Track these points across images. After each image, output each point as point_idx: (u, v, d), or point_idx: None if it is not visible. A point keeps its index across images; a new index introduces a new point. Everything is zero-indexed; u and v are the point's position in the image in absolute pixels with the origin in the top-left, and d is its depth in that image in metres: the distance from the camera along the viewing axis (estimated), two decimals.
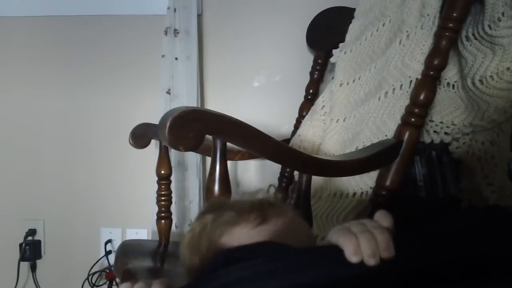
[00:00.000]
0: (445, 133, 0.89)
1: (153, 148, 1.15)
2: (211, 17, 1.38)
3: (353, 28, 1.11)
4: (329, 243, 0.41)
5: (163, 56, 1.28)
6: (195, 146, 0.60)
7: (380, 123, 0.89)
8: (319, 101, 1.15)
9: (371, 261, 0.38)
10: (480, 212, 0.52)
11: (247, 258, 0.39)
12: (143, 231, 1.40)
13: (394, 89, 0.89)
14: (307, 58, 1.31)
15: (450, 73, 0.94)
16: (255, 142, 0.65)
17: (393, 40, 0.94)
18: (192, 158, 1.29)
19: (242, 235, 0.54)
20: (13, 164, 1.44)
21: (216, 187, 0.64)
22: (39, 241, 1.43)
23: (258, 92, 1.38)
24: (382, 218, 0.43)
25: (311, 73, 1.28)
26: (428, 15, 0.86)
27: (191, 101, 1.27)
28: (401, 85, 0.88)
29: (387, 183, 0.82)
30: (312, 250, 0.40)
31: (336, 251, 0.39)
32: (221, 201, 0.61)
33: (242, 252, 0.43)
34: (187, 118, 0.59)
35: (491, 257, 0.41)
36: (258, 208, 0.57)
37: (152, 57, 1.36)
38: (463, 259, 0.41)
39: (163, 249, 1.01)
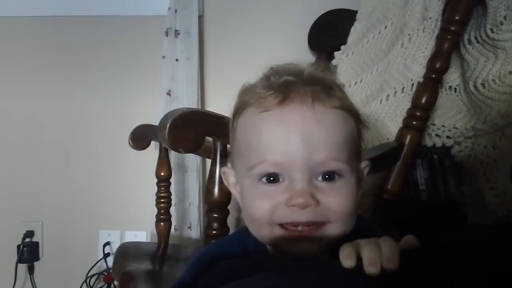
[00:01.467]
0: (447, 136, 0.89)
1: (153, 149, 1.15)
2: (212, 18, 1.38)
3: (355, 31, 1.11)
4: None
5: (163, 57, 1.28)
6: (195, 147, 0.60)
7: (381, 126, 0.88)
8: None
9: (371, 269, 0.37)
10: (489, 229, 0.52)
11: (249, 273, 0.38)
12: (142, 233, 1.39)
13: (395, 92, 0.89)
14: (309, 60, 1.30)
15: (452, 76, 0.94)
16: None
17: (395, 42, 0.94)
18: (192, 160, 1.28)
19: (248, 118, 0.48)
20: (11, 166, 1.43)
21: (216, 189, 0.63)
22: (37, 243, 1.42)
23: None
24: (407, 241, 0.41)
25: None
26: (430, 18, 0.86)
27: (191, 102, 1.26)
28: (402, 88, 0.87)
29: (389, 186, 0.81)
30: (318, 265, 0.40)
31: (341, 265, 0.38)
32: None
33: (243, 265, 0.42)
34: (187, 120, 0.58)
35: (498, 274, 0.41)
36: (281, 85, 0.46)
37: (152, 58, 1.35)
38: (469, 274, 0.40)
39: (162, 251, 1.01)
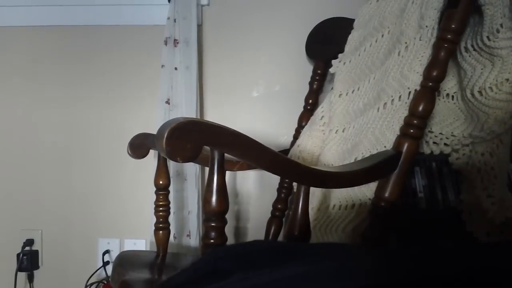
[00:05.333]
0: (445, 144, 0.89)
1: (152, 158, 1.15)
2: (211, 27, 1.39)
3: (352, 39, 1.11)
4: None
5: (162, 66, 1.29)
6: (193, 157, 0.60)
7: (379, 134, 0.88)
8: (318, 112, 1.15)
9: None
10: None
11: (235, 267, 0.38)
12: (141, 241, 1.39)
13: (393, 100, 0.89)
14: (306, 68, 1.31)
15: (450, 84, 0.94)
16: (252, 153, 0.65)
17: (392, 51, 0.94)
18: (191, 168, 1.28)
19: None
20: (11, 174, 1.43)
21: (214, 198, 0.63)
22: (37, 252, 1.42)
23: (258, 102, 1.39)
24: None
25: (310, 83, 1.28)
26: (426, 26, 0.86)
27: (190, 111, 1.27)
28: (399, 96, 0.87)
29: (386, 194, 0.81)
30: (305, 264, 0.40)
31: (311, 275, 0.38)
32: None
33: (227, 260, 0.42)
34: (185, 129, 0.58)
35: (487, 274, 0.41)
36: None
37: (151, 67, 1.36)
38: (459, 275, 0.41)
39: (160, 260, 1.01)
